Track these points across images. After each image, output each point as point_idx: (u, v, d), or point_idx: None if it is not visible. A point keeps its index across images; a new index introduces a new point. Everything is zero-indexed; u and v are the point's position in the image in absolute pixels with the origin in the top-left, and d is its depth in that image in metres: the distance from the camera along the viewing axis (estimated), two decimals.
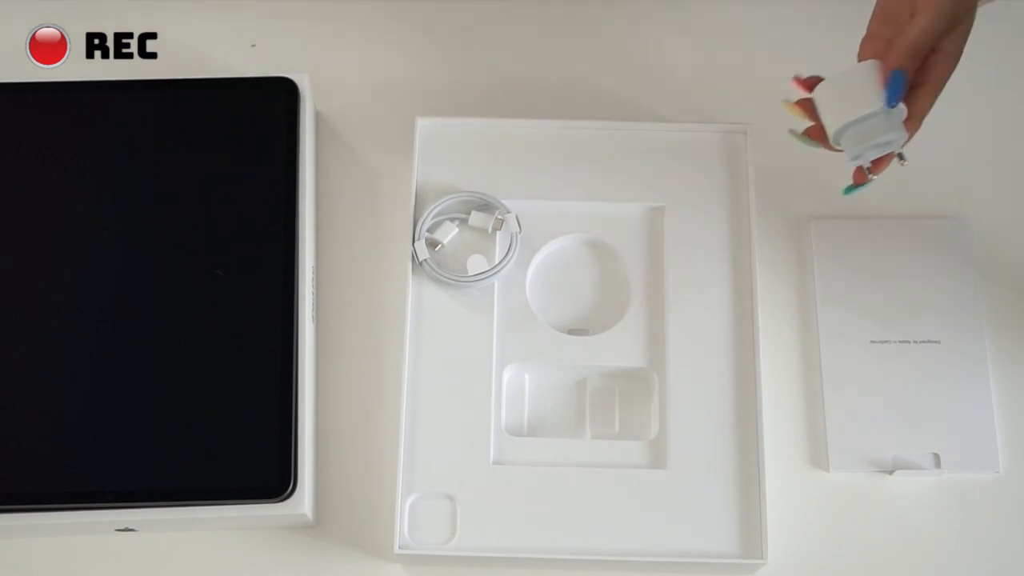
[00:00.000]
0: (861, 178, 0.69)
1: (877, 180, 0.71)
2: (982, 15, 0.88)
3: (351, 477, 0.76)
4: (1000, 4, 0.89)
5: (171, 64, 0.87)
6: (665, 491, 0.73)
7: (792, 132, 0.69)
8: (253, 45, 0.88)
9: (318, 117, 0.85)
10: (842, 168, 0.84)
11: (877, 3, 0.69)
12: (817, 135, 0.68)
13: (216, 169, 0.79)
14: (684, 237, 0.78)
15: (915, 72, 0.66)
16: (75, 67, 0.87)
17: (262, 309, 0.75)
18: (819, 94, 0.67)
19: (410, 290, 0.77)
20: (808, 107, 0.67)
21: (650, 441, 0.75)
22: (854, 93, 0.65)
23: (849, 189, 0.70)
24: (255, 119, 0.80)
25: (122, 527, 0.73)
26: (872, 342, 0.78)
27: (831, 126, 0.66)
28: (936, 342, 0.78)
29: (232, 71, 0.82)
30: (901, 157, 0.67)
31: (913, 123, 0.66)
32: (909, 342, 0.78)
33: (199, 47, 0.88)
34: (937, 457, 0.75)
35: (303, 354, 0.75)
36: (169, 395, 0.73)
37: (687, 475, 0.74)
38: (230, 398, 0.73)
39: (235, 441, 0.72)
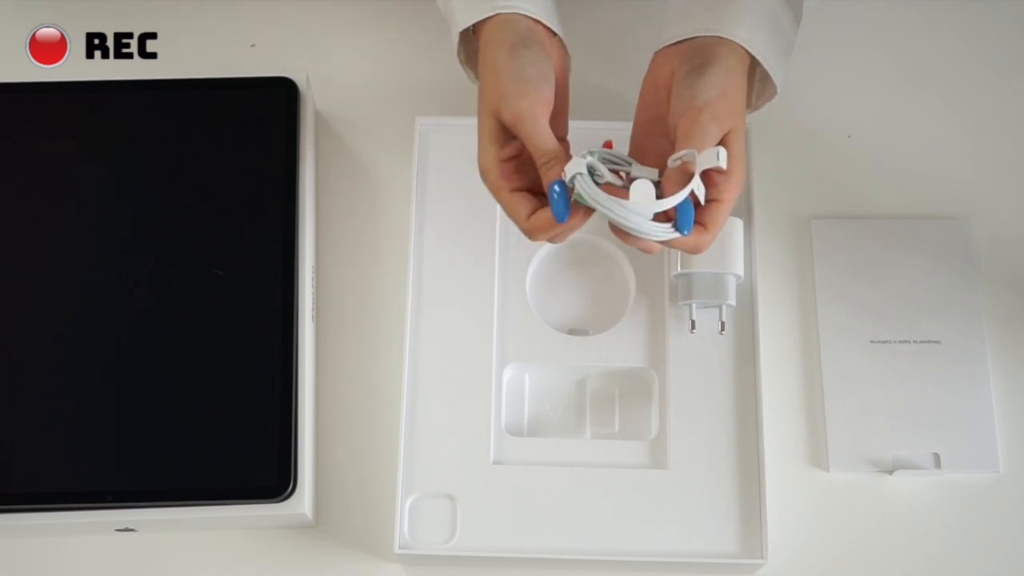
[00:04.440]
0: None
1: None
2: (981, 15, 0.89)
3: (351, 477, 0.76)
4: (1001, 4, 0.89)
5: (171, 64, 0.87)
6: (665, 491, 0.73)
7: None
8: (253, 45, 0.88)
9: (318, 117, 0.85)
10: (842, 168, 0.84)
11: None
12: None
13: (216, 169, 0.79)
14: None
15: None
16: (75, 67, 0.87)
17: (262, 309, 0.75)
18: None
19: (410, 289, 0.77)
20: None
21: (650, 441, 0.75)
22: None
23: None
24: (255, 119, 0.80)
25: (122, 527, 0.73)
26: (872, 342, 0.78)
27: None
28: (936, 342, 0.78)
29: (232, 71, 0.82)
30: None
31: (710, 234, 0.64)
32: (909, 342, 0.78)
33: (199, 47, 0.88)
34: (937, 457, 0.75)
35: (303, 354, 0.75)
36: (169, 395, 0.73)
37: (687, 475, 0.74)
38: (230, 398, 0.73)
39: (235, 441, 0.72)
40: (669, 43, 0.69)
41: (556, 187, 0.62)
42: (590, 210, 0.63)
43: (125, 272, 0.76)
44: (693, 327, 0.76)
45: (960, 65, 0.88)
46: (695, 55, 0.67)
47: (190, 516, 0.72)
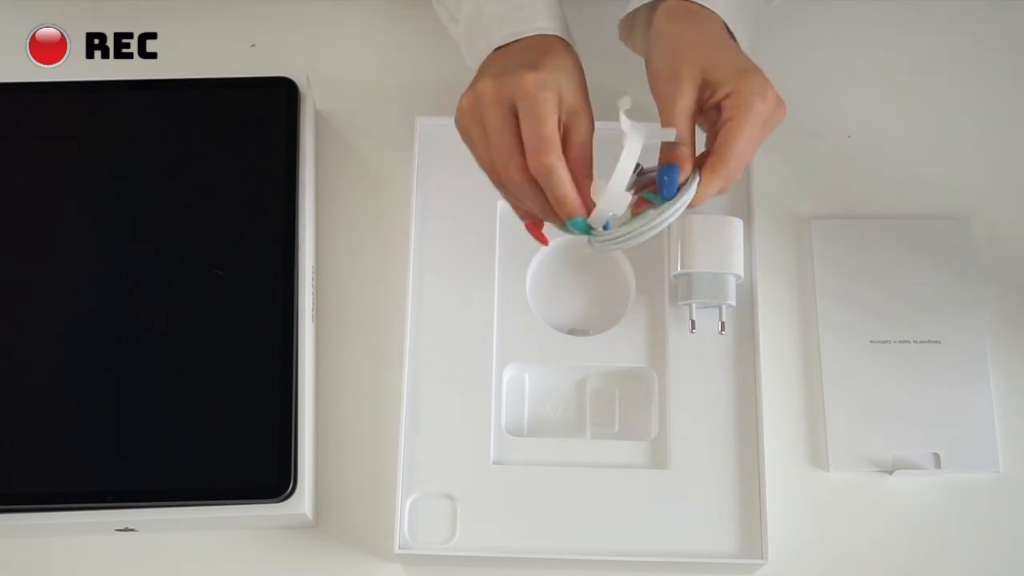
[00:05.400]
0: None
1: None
2: (981, 15, 0.89)
3: (351, 477, 0.76)
4: (1001, 4, 0.89)
5: (171, 64, 0.87)
6: (665, 491, 0.73)
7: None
8: (253, 45, 0.88)
9: (318, 117, 0.85)
10: (842, 168, 0.84)
11: None
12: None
13: (216, 169, 0.79)
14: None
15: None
16: (75, 67, 0.87)
17: (262, 309, 0.75)
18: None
19: (410, 289, 0.77)
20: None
21: (650, 441, 0.75)
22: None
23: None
24: (255, 119, 0.80)
25: (122, 527, 0.73)
26: (872, 342, 0.78)
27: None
28: (936, 342, 0.78)
29: (232, 71, 0.82)
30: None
31: (728, 161, 0.63)
32: (909, 342, 0.78)
33: (199, 47, 0.88)
34: (937, 457, 0.75)
35: (303, 354, 0.75)
36: (169, 395, 0.73)
37: (687, 475, 0.74)
38: (230, 398, 0.73)
39: (235, 441, 0.72)
40: (627, 17, 0.72)
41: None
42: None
43: (125, 272, 0.76)
44: (693, 327, 0.76)
45: (960, 65, 0.88)
46: (653, 33, 0.68)
47: (190, 516, 0.72)
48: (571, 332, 0.78)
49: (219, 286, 0.76)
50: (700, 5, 0.67)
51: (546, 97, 0.63)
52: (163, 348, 0.74)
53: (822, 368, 0.78)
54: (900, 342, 0.78)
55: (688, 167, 0.63)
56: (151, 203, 0.78)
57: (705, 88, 0.64)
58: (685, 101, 0.63)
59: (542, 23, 0.69)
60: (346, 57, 0.88)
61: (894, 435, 0.76)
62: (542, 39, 0.69)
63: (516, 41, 0.69)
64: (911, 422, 0.76)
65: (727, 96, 0.63)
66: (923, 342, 0.78)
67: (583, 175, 0.64)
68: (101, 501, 0.71)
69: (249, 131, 0.80)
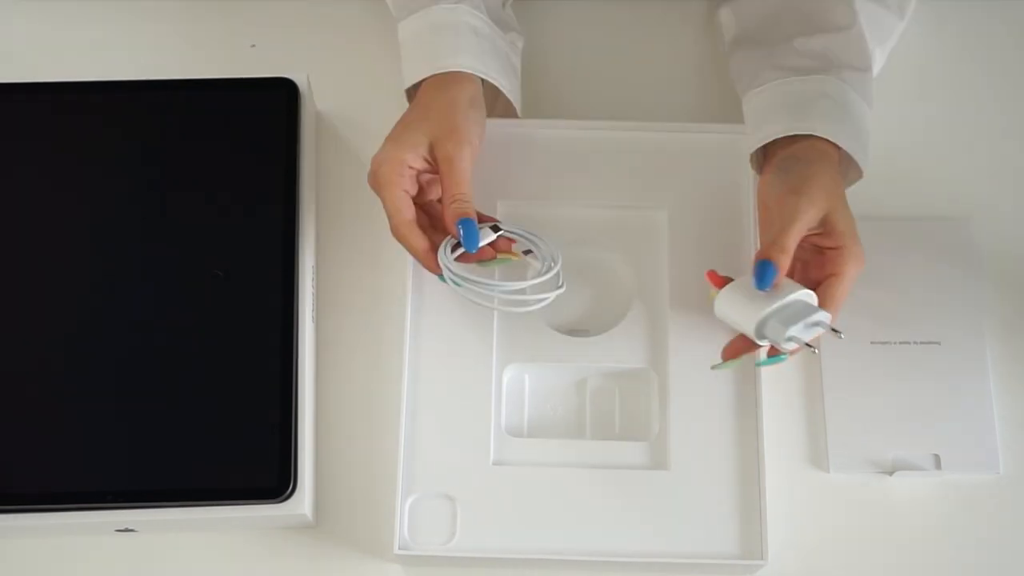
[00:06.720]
0: (775, 352, 0.70)
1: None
2: (982, 16, 0.89)
3: (351, 477, 0.76)
4: (1002, 5, 0.89)
5: (171, 64, 0.87)
6: (665, 491, 0.73)
7: (714, 366, 0.72)
8: (253, 45, 0.88)
9: (318, 117, 0.85)
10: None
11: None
12: (733, 352, 0.72)
13: (216, 169, 0.79)
14: (684, 237, 0.78)
15: (819, 265, 0.70)
16: (75, 67, 0.87)
17: (262, 309, 0.75)
18: (727, 295, 0.70)
19: (410, 289, 0.77)
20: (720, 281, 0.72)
21: (650, 441, 0.75)
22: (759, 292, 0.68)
23: (766, 362, 0.72)
24: (255, 119, 0.80)
25: (122, 527, 0.73)
26: (872, 343, 0.78)
27: (750, 319, 0.68)
28: (936, 343, 0.78)
29: (232, 71, 0.82)
30: (837, 332, 0.69)
31: (831, 309, 0.69)
32: (909, 343, 0.78)
33: (199, 47, 0.88)
34: (937, 457, 0.75)
35: (303, 354, 0.75)
36: (169, 395, 0.73)
37: (687, 475, 0.74)
38: (230, 398, 0.73)
39: (235, 441, 0.72)
40: (759, 146, 0.74)
41: (464, 223, 0.70)
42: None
43: (125, 273, 0.76)
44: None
45: (960, 65, 0.88)
46: (783, 159, 0.72)
47: (190, 516, 0.72)
48: (571, 332, 0.78)
49: (219, 286, 0.76)
50: (820, 139, 0.71)
51: (388, 194, 0.71)
52: (164, 348, 0.74)
53: (822, 368, 0.78)
54: (900, 343, 0.78)
55: (783, 271, 0.67)
56: (151, 203, 0.78)
57: (821, 224, 0.69)
58: (801, 227, 0.68)
59: (441, 62, 0.74)
60: (346, 57, 0.88)
61: (894, 435, 0.76)
62: (434, 84, 0.74)
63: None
64: (911, 423, 0.76)
65: (836, 249, 0.69)
66: (923, 343, 0.78)
67: (457, 217, 0.70)
68: (101, 501, 0.71)
69: (249, 131, 0.80)
